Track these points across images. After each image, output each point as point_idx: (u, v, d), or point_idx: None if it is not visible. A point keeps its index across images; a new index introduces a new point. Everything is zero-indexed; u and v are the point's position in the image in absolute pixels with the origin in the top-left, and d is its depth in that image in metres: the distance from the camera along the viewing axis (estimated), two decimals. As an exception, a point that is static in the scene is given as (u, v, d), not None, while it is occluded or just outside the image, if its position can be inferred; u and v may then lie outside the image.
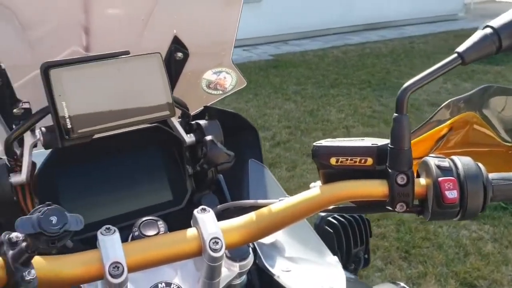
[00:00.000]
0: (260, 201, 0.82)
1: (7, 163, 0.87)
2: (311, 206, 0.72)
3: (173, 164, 1.00)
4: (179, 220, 0.98)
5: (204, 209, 0.74)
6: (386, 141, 0.71)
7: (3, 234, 0.61)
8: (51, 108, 0.78)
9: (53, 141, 0.80)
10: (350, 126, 4.91)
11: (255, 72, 6.71)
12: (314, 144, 0.74)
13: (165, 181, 0.99)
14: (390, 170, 0.69)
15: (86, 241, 0.84)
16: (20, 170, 0.87)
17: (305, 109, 5.36)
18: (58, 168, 0.90)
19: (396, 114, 0.68)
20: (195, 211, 0.73)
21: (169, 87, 0.86)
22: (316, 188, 0.73)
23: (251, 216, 0.74)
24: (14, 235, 0.60)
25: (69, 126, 0.78)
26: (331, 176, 0.74)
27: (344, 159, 0.72)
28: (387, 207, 0.71)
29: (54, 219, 0.57)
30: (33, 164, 0.90)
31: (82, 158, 0.92)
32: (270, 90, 5.96)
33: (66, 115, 0.78)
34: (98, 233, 0.67)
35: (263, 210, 0.74)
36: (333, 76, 6.63)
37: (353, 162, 0.72)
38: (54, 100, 0.77)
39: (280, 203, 0.74)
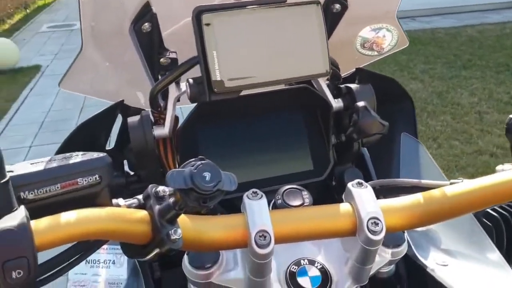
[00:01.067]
0: (427, 182, 0.70)
1: (151, 115, 0.84)
2: (500, 193, 0.59)
3: (316, 131, 0.91)
4: (317, 192, 0.91)
5: (360, 183, 0.64)
6: None
7: (150, 186, 0.56)
8: (201, 57, 0.72)
9: (199, 94, 0.75)
10: (483, 112, 4.47)
11: (380, 48, 6.36)
12: (511, 116, 0.60)
13: (306, 149, 0.90)
14: None
15: (225, 203, 0.78)
16: (163, 124, 0.84)
17: (433, 90, 4.98)
18: (201, 124, 0.85)
19: None
20: (349, 184, 0.64)
21: (327, 42, 0.76)
22: (508, 172, 0.59)
23: (417, 197, 0.62)
24: (161, 189, 0.55)
25: (218, 78, 0.72)
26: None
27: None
28: None
29: (207, 175, 0.51)
30: (176, 118, 0.86)
31: (226, 115, 0.86)
32: (395, 67, 5.64)
33: (216, 66, 0.72)
34: (245, 196, 0.61)
35: (433, 192, 0.62)
36: (466, 57, 6.08)
37: None
38: (205, 48, 0.71)
39: (456, 186, 0.62)
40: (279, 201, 0.74)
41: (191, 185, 0.50)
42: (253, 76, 0.73)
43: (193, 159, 0.53)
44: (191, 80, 0.75)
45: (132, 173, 0.92)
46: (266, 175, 0.87)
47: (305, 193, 0.75)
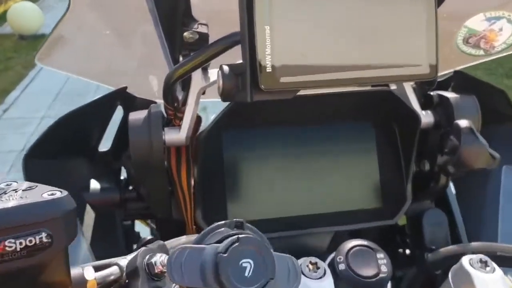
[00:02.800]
0: None
1: (164, 111, 0.59)
2: None
3: (392, 154, 0.65)
4: (380, 239, 0.66)
5: (484, 263, 0.39)
6: None
7: (140, 253, 0.32)
8: (245, 34, 0.46)
9: (237, 91, 0.49)
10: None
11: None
12: None
13: (375, 178, 0.64)
14: None
15: None
16: (180, 125, 0.59)
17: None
18: (232, 131, 0.60)
19: None
20: (465, 262, 0.39)
21: (436, 33, 0.50)
22: None
23: None
24: (159, 260, 0.31)
25: (269, 69, 0.46)
26: None
27: None
28: None
29: (248, 266, 0.26)
30: (198, 119, 0.61)
31: (267, 120, 0.61)
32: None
33: (267, 50, 0.46)
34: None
35: None
36: (509, 65, 5.71)
37: None
38: (253, 22, 0.45)
39: None
40: (342, 266, 0.48)
41: (215, 285, 0.25)
42: (320, 69, 0.47)
43: (223, 224, 0.28)
44: (226, 68, 0.50)
45: (130, 187, 0.68)
46: (314, 210, 0.63)
47: (381, 256, 0.49)
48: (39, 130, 3.37)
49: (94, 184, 0.65)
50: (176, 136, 0.58)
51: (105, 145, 0.68)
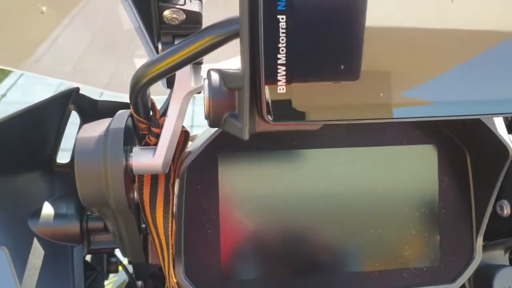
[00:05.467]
0: None
1: (131, 123, 0.42)
2: None
3: (459, 191, 0.46)
4: None
5: None
6: None
7: None
8: (245, 24, 0.27)
9: (231, 115, 0.31)
10: None
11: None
12: None
13: (431, 222, 0.46)
14: None
15: None
16: (154, 143, 0.41)
17: None
18: (233, 157, 0.43)
19: None
20: None
21: None
22: None
23: None
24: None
25: (281, 89, 0.27)
26: None
27: None
28: None
29: None
30: (184, 135, 0.43)
31: (282, 145, 0.43)
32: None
33: (281, 57, 0.27)
34: None
35: None
36: None
37: None
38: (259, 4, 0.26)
39: None
40: None
41: None
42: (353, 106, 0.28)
43: None
44: (215, 76, 0.31)
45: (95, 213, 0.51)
46: (344, 269, 0.45)
47: None
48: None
49: (47, 209, 0.49)
50: (148, 161, 0.40)
51: (66, 156, 0.51)
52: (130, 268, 0.61)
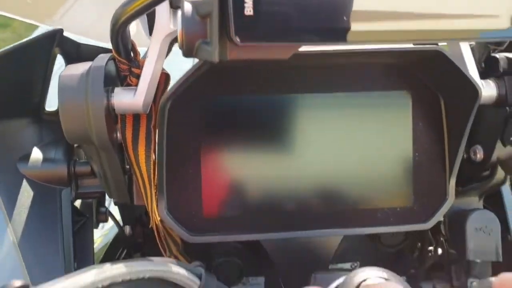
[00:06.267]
0: None
1: (113, 65, 0.43)
2: None
3: (432, 134, 0.48)
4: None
5: None
6: None
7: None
8: None
9: (204, 42, 0.32)
10: None
11: None
12: None
13: (405, 164, 0.48)
14: None
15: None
16: (135, 83, 0.43)
17: None
18: (213, 99, 0.44)
19: None
20: None
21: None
22: None
23: None
24: None
25: (249, 10, 0.29)
26: None
27: None
28: None
29: None
30: (164, 77, 0.45)
31: (261, 87, 0.45)
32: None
33: None
34: None
35: None
36: None
37: None
38: None
39: None
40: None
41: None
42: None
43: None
44: (188, 6, 0.32)
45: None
46: (320, 207, 0.47)
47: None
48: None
49: (36, 154, 0.50)
50: (129, 100, 0.42)
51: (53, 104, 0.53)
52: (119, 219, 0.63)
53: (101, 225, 0.66)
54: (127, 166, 0.47)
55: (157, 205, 0.45)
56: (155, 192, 0.45)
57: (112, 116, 0.42)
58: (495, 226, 0.50)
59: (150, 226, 0.49)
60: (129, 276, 0.31)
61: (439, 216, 0.48)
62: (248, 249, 0.54)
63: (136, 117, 0.44)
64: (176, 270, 0.35)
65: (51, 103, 0.54)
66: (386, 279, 0.35)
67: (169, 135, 0.44)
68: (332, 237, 0.49)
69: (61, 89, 0.39)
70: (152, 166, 0.44)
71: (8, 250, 0.44)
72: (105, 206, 0.62)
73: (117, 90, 0.42)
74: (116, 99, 0.41)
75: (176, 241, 0.52)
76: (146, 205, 0.47)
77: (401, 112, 0.48)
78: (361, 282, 0.35)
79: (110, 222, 0.61)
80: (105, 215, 0.61)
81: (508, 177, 0.54)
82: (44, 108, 0.52)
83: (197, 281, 0.38)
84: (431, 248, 0.61)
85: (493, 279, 0.40)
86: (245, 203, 0.47)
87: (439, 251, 0.60)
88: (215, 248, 0.55)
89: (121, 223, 0.63)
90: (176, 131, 0.45)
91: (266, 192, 0.47)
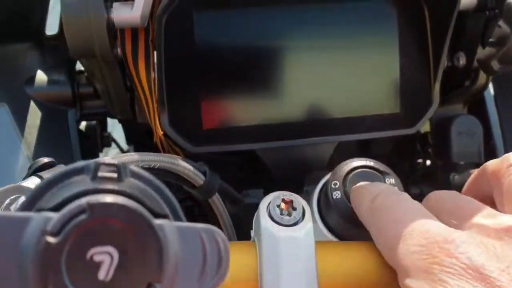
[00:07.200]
0: None
1: None
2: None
3: (417, 42, 0.50)
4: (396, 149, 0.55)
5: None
6: None
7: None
8: None
9: None
10: None
11: None
12: None
13: (392, 72, 0.50)
14: None
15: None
16: (132, -1, 0.45)
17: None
18: (208, 13, 0.46)
19: None
20: None
21: None
22: None
23: None
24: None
25: None
26: None
27: None
28: None
29: (106, 261, 0.13)
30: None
31: (255, 2, 0.47)
32: None
33: None
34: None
35: None
36: None
37: None
38: None
39: None
40: (337, 194, 0.36)
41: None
42: None
43: (87, 165, 0.15)
44: None
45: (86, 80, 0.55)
46: (312, 116, 0.50)
47: (392, 181, 0.37)
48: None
49: (41, 76, 0.53)
50: (128, 14, 0.43)
51: (53, 28, 0.54)
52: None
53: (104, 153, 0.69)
54: (129, 83, 0.49)
55: (159, 120, 0.48)
56: (157, 107, 0.48)
57: (112, 31, 0.44)
58: (478, 129, 0.53)
59: (154, 141, 0.52)
60: (141, 163, 0.34)
61: (425, 120, 0.51)
62: (247, 162, 0.58)
63: (134, 32, 0.46)
64: (183, 164, 0.38)
65: (52, 27, 0.55)
66: (377, 169, 0.38)
67: (167, 48, 0.46)
68: (325, 148, 0.52)
69: (64, 5, 0.41)
70: (152, 81, 0.47)
71: (23, 166, 0.47)
72: (107, 131, 0.65)
73: (116, 5, 0.43)
74: (115, 14, 0.43)
75: (179, 155, 0.55)
76: (149, 120, 0.50)
77: (386, 24, 0.50)
78: (352, 169, 0.38)
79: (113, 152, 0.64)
80: (108, 139, 0.64)
81: (491, 84, 0.57)
82: (44, 33, 0.54)
83: (202, 177, 0.42)
84: (420, 160, 0.65)
85: (473, 170, 0.43)
86: (241, 115, 0.49)
87: (428, 162, 0.64)
88: (215, 163, 0.59)
89: (123, 148, 0.67)
90: (172, 44, 0.47)
91: (261, 104, 0.49)
